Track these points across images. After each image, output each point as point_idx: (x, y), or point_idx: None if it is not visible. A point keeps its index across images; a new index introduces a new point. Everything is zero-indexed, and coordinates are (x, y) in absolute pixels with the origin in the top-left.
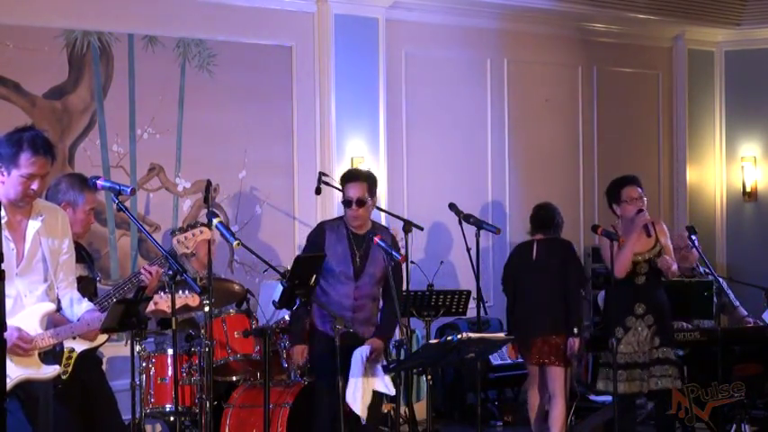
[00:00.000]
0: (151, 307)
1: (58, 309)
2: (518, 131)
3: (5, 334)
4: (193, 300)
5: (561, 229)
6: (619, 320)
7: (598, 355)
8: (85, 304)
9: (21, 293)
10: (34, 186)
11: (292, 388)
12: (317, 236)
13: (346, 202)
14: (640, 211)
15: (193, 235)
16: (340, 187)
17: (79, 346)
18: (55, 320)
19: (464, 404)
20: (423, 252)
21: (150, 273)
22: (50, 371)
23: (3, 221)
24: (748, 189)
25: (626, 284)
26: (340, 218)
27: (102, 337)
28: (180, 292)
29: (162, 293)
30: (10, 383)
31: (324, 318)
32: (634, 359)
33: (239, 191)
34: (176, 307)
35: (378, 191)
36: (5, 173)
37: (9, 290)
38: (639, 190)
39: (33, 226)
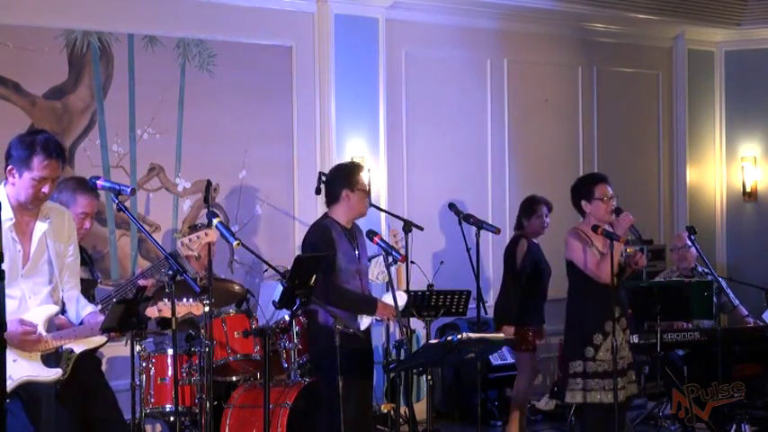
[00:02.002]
0: (155, 313)
1: (63, 311)
2: (518, 131)
3: (8, 331)
4: (197, 308)
5: None
6: (598, 326)
7: (566, 367)
8: (90, 307)
9: (25, 295)
10: (45, 189)
11: (292, 388)
12: (326, 236)
13: (367, 192)
14: (619, 210)
15: (198, 238)
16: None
17: (78, 347)
18: (57, 323)
19: (464, 404)
20: (423, 252)
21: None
22: (53, 373)
23: (11, 223)
24: (748, 189)
25: (601, 288)
26: (326, 216)
27: (102, 338)
28: (184, 299)
29: (167, 300)
30: (13, 384)
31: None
32: (612, 367)
33: (239, 191)
34: (180, 315)
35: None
36: (17, 175)
37: (14, 291)
38: (611, 189)
39: (40, 228)
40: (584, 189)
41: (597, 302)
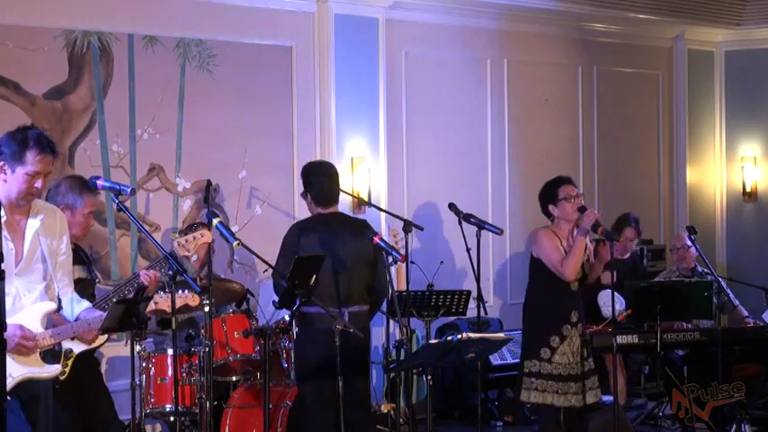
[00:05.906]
0: (151, 307)
1: (59, 308)
2: (518, 131)
3: (7, 333)
4: (193, 299)
5: None
6: (555, 329)
7: (521, 365)
8: (85, 304)
9: (19, 293)
10: (38, 184)
11: (292, 388)
12: None
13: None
14: (584, 208)
15: (194, 238)
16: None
17: (78, 347)
18: (53, 321)
19: (464, 404)
20: (423, 252)
21: (149, 276)
22: (52, 370)
23: (2, 221)
24: (748, 189)
25: (562, 290)
26: None
27: (102, 339)
28: (180, 291)
29: (162, 293)
30: (12, 382)
31: None
32: (568, 371)
33: (239, 191)
34: (176, 307)
35: (377, 190)
36: (9, 171)
37: (8, 289)
38: (576, 189)
39: (32, 226)
40: (549, 193)
41: (557, 304)
